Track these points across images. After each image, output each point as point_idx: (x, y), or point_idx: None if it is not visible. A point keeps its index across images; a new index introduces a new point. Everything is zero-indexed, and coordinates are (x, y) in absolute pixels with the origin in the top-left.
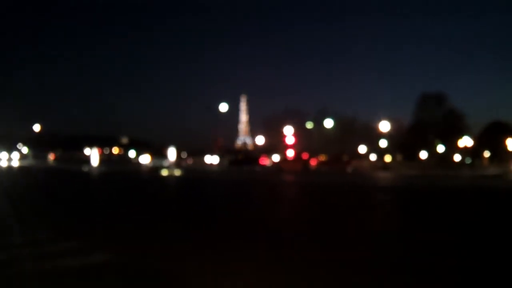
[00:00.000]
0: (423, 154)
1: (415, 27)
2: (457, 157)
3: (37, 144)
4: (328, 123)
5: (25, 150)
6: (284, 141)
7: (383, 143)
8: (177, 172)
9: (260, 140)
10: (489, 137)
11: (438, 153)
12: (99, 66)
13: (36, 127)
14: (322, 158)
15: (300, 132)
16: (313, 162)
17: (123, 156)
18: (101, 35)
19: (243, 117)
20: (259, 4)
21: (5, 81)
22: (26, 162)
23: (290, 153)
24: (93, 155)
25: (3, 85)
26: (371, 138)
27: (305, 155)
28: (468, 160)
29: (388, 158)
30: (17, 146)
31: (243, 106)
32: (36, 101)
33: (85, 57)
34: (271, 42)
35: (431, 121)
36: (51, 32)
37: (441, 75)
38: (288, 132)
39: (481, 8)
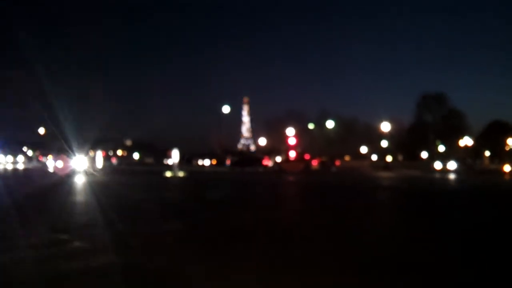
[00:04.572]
0: (424, 154)
1: (414, 27)
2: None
3: (42, 147)
4: (329, 124)
5: (30, 153)
6: (286, 142)
7: (384, 144)
8: (181, 174)
9: (262, 141)
10: (490, 136)
11: (439, 153)
12: (101, 68)
13: (41, 130)
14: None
15: (302, 133)
16: (315, 163)
17: (126, 158)
18: (102, 37)
19: (246, 119)
20: (260, 6)
21: (10, 85)
22: (31, 165)
23: (292, 154)
24: (98, 157)
25: (8, 89)
26: (372, 138)
27: (307, 156)
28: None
29: (389, 158)
30: (22, 149)
31: (245, 108)
32: (40, 104)
33: (87, 59)
34: (272, 45)
35: (432, 121)
36: (54, 34)
37: (441, 75)
38: (290, 133)
39: (482, 7)
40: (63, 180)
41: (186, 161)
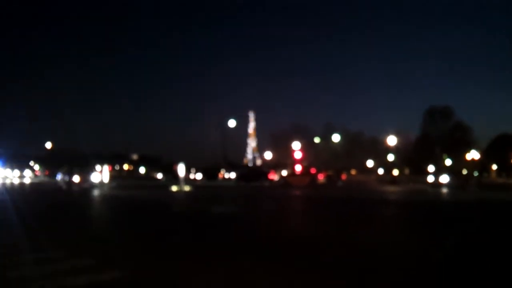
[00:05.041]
0: (431, 168)
1: (421, 41)
2: (464, 171)
3: (49, 161)
4: (335, 138)
5: (37, 167)
6: (292, 156)
7: (390, 157)
8: (187, 188)
9: (268, 155)
10: (497, 150)
11: (445, 166)
12: (108, 84)
13: (48, 145)
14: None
15: (307, 147)
16: (321, 177)
17: (132, 173)
18: (108, 53)
19: (251, 133)
20: (264, 21)
21: (17, 99)
22: (38, 179)
23: (298, 168)
24: (104, 172)
25: (15, 104)
26: (379, 152)
27: (313, 170)
28: (475, 174)
29: (395, 172)
30: (29, 163)
31: (251, 122)
32: (48, 119)
33: (94, 75)
34: (277, 58)
35: (438, 135)
36: (61, 50)
37: (448, 89)
38: (296, 147)
39: (488, 22)
40: (85, 194)
41: (175, 175)
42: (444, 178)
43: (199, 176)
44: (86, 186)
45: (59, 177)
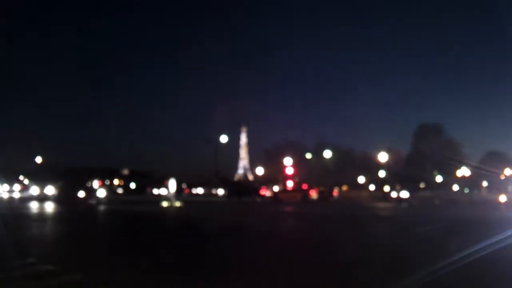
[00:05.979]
0: (422, 184)
1: (412, 57)
2: (455, 187)
3: (39, 176)
4: (327, 154)
5: (26, 182)
6: (283, 172)
7: (381, 174)
8: (178, 204)
9: (260, 171)
10: (487, 166)
11: (436, 183)
12: (100, 98)
13: (38, 159)
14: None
15: (299, 163)
16: (313, 193)
17: (124, 188)
18: (100, 67)
19: (243, 148)
20: (258, 38)
21: (7, 113)
22: (27, 194)
23: (290, 184)
24: (95, 186)
25: (5, 117)
26: (370, 168)
27: (304, 186)
28: (466, 190)
29: (387, 188)
30: (19, 178)
31: (243, 138)
32: (38, 132)
33: (85, 89)
34: (270, 74)
35: (429, 151)
36: (51, 63)
37: (439, 106)
38: (288, 163)
39: (479, 39)
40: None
41: (140, 190)
42: (404, 194)
43: (163, 191)
44: (93, 202)
45: (31, 191)
